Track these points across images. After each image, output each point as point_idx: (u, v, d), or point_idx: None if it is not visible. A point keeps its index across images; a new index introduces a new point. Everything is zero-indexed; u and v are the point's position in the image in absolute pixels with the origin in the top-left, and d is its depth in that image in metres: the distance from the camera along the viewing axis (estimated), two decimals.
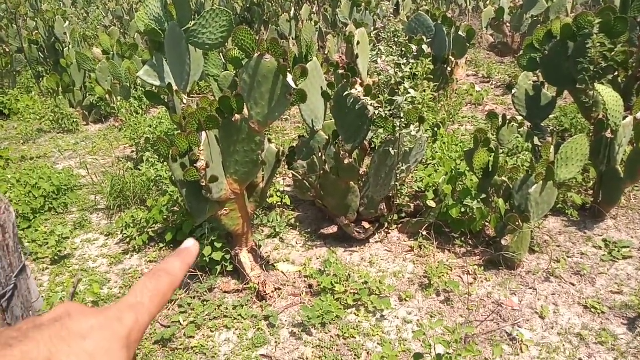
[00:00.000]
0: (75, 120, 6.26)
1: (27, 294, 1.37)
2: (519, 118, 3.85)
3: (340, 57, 7.69)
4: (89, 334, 0.38)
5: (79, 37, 8.20)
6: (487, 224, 3.10)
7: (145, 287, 0.44)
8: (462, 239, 3.13)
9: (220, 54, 4.71)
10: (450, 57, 5.09)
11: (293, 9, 9.02)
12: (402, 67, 2.80)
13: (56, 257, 3.34)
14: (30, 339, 0.36)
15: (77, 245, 3.54)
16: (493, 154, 2.94)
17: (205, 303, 2.76)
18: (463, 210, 2.97)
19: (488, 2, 9.96)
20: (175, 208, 3.40)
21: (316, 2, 10.51)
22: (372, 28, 7.45)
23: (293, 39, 8.22)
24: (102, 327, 0.39)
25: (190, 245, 0.50)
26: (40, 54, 8.09)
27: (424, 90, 3.30)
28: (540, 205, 2.77)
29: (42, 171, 4.18)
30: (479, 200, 2.92)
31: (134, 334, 0.41)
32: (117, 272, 3.18)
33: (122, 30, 10.46)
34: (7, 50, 8.98)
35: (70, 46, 7.52)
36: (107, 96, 6.27)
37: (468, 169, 3.18)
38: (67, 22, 8.36)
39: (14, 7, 11.29)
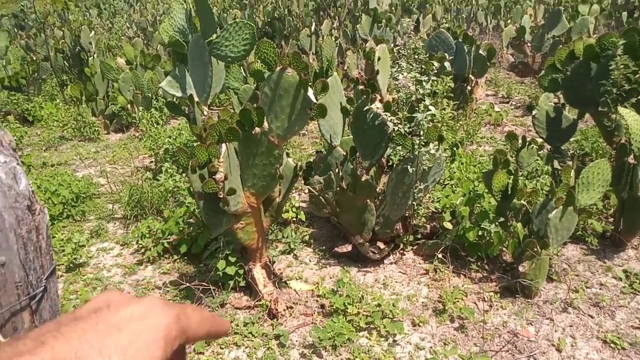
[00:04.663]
0: (96, 128, 6.36)
1: (55, 297, 1.37)
2: (539, 140, 3.80)
3: (359, 72, 7.71)
4: (126, 325, 0.37)
5: (103, 47, 8.38)
6: (504, 248, 3.04)
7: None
8: (479, 263, 3.07)
9: (241, 67, 4.76)
10: (470, 75, 5.06)
11: (314, 24, 9.09)
12: (423, 83, 2.79)
13: (71, 265, 3.37)
14: (63, 335, 0.35)
15: (92, 253, 3.57)
16: (512, 177, 2.90)
17: None
18: (480, 233, 2.92)
19: (509, 21, 9.93)
20: (191, 220, 3.41)
21: (337, 17, 10.59)
22: (392, 45, 7.46)
23: (313, 53, 8.29)
24: (141, 316, 0.38)
25: (227, 325, 0.48)
26: (65, 62, 8.28)
27: (444, 108, 3.28)
28: (560, 231, 2.71)
29: (62, 178, 4.25)
30: (497, 223, 2.88)
31: (174, 329, 0.39)
32: (130, 283, 3.19)
33: (145, 41, 10.66)
34: (34, 58, 9.22)
35: (95, 56, 7.68)
36: (128, 106, 6.37)
37: (486, 190, 3.13)
38: (93, 32, 8.55)
39: (43, 16, 11.60)
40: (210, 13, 3.41)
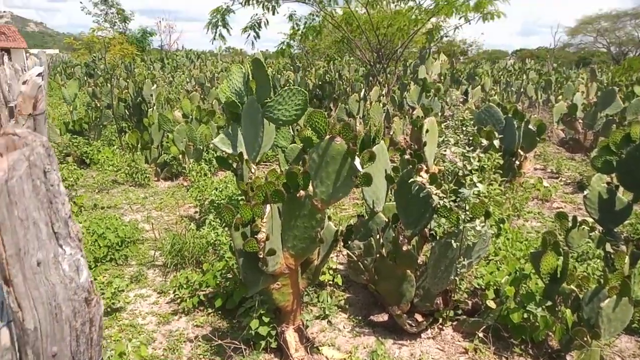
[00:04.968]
0: (147, 175, 6.63)
1: None
2: (590, 220, 3.67)
3: (405, 138, 7.79)
4: None
5: (163, 100, 8.88)
6: (551, 334, 2.87)
7: None
8: (522, 347, 2.90)
9: (290, 127, 4.91)
10: (519, 150, 5.01)
11: (364, 90, 9.36)
12: (471, 160, 2.78)
13: (109, 309, 3.41)
14: None
15: (130, 299, 3.62)
16: (562, 259, 2.78)
17: None
18: (525, 315, 2.77)
19: (560, 97, 9.89)
20: (228, 275, 3.42)
21: (386, 85, 10.87)
22: (440, 114, 7.54)
23: (360, 117, 8.47)
24: None
25: None
26: (126, 111, 8.81)
27: (491, 184, 3.23)
28: (613, 322, 2.54)
29: (110, 222, 4.40)
30: (544, 307, 2.73)
31: None
32: (163, 333, 3.19)
33: (202, 96, 11.24)
34: (99, 105, 9.86)
35: (155, 107, 8.13)
36: (180, 156, 6.64)
37: (533, 271, 3.00)
38: (155, 85, 9.12)
39: (111, 67, 12.49)
40: (267, 78, 3.58)
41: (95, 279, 3.73)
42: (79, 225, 0.94)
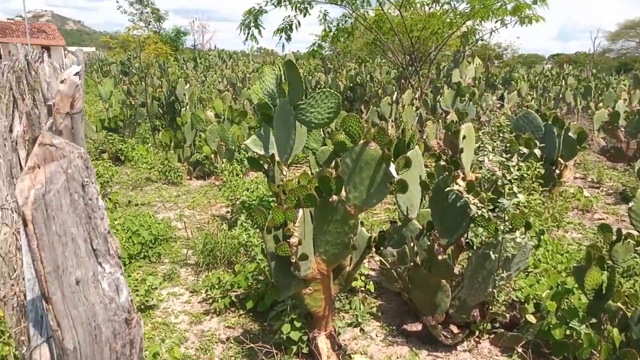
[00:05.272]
0: (180, 174, 6.71)
1: None
2: (635, 234, 3.50)
3: (438, 143, 7.67)
4: None
5: (196, 100, 8.98)
6: (596, 352, 2.74)
7: None
8: None
9: (321, 129, 4.88)
10: (559, 158, 4.85)
11: (396, 92, 9.25)
12: (511, 169, 2.69)
13: (142, 307, 3.45)
14: None
15: (163, 297, 3.65)
16: (608, 275, 2.65)
17: None
18: (568, 332, 2.66)
19: (600, 104, 9.56)
20: (260, 277, 3.41)
21: (419, 88, 10.73)
22: (475, 118, 7.39)
23: (392, 121, 8.38)
24: None
25: None
26: (160, 109, 8.94)
27: (531, 193, 3.12)
28: None
29: (143, 219, 4.46)
30: (588, 324, 2.61)
31: None
32: (195, 332, 3.20)
33: (233, 96, 11.33)
34: (133, 103, 10.05)
35: (187, 107, 8.23)
36: (212, 155, 6.70)
37: (576, 286, 2.88)
38: (188, 85, 9.22)
39: (146, 66, 12.73)
40: (299, 80, 3.55)
41: (129, 276, 3.77)
42: (117, 240, 0.91)
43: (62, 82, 1.79)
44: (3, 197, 2.71)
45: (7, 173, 2.87)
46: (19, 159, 3.30)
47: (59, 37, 32.73)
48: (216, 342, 3.08)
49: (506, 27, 9.84)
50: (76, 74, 1.84)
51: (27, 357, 1.10)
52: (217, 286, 3.51)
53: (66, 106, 1.78)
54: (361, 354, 2.95)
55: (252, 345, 2.81)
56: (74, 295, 0.87)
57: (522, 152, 3.60)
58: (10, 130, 3.39)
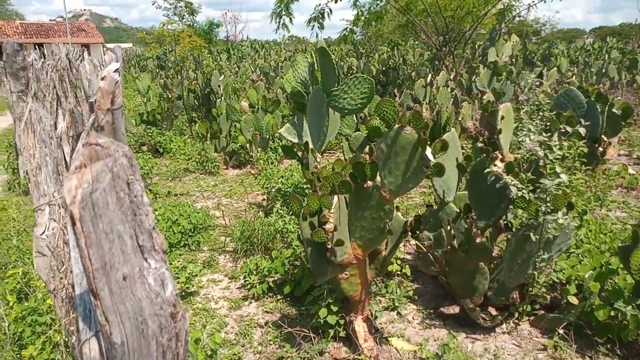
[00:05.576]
0: (217, 164, 6.84)
1: None
2: None
3: (474, 124, 7.49)
4: None
5: (230, 90, 9.09)
6: None
7: None
8: (609, 346, 2.71)
9: (355, 115, 4.86)
10: (603, 136, 4.66)
11: (430, 74, 9.08)
12: (553, 149, 2.61)
13: (183, 293, 3.56)
14: None
15: (203, 283, 3.75)
16: None
17: None
18: (612, 313, 2.58)
19: None
20: (296, 262, 3.46)
21: (454, 69, 10.48)
22: (513, 97, 7.17)
23: (427, 103, 8.24)
24: None
25: None
26: (195, 102, 9.11)
27: (574, 173, 3.02)
28: None
29: (183, 209, 4.58)
30: (634, 305, 2.53)
31: None
32: (235, 318, 3.29)
33: (267, 85, 11.40)
34: (170, 96, 10.27)
35: (222, 98, 8.34)
36: (247, 145, 6.79)
37: (621, 266, 2.79)
38: (222, 76, 9.33)
39: (181, 60, 12.95)
40: (332, 67, 3.54)
41: (170, 264, 3.90)
42: (162, 236, 0.94)
43: (102, 79, 1.85)
44: (50, 193, 2.84)
45: (54, 170, 2.99)
46: (64, 155, 3.44)
47: (98, 35, 33.71)
48: (255, 327, 3.16)
49: (544, 2, 9.46)
50: (115, 70, 1.89)
51: (78, 350, 1.15)
52: (254, 272, 3.58)
53: (107, 102, 1.83)
54: (398, 337, 2.96)
55: (290, 329, 2.87)
56: (122, 291, 0.90)
57: (563, 130, 3.49)
58: (55, 128, 3.53)
